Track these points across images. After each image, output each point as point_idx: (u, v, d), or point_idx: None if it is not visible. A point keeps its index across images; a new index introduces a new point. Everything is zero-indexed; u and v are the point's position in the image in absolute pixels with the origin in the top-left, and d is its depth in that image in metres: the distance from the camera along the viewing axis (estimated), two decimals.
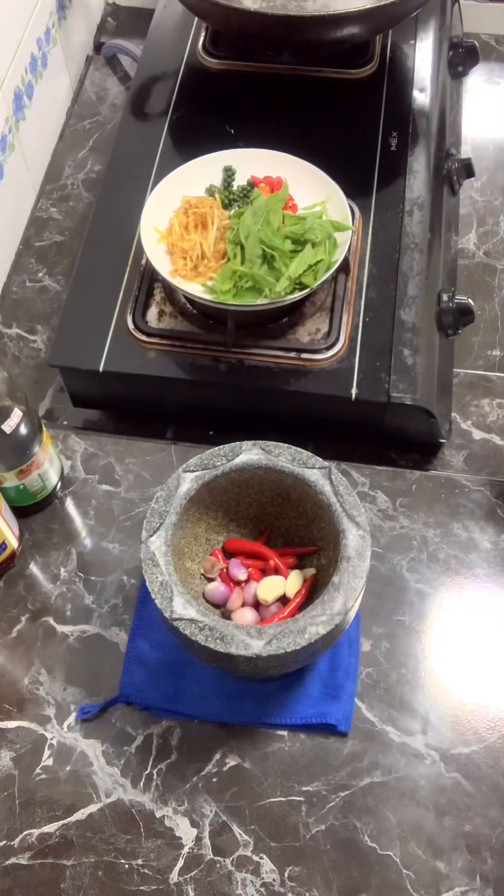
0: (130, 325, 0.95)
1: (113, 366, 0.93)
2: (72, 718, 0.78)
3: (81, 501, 0.90)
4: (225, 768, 0.76)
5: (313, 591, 0.76)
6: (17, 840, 0.73)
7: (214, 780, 0.75)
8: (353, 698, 0.77)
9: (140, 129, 1.14)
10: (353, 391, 0.90)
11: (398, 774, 0.75)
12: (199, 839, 0.73)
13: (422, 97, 1.15)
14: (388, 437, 0.95)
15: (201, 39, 1.22)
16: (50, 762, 0.77)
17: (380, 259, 0.99)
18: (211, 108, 1.15)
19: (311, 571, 0.76)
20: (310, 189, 0.97)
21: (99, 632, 0.82)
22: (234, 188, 1.00)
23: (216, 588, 0.77)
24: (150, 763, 0.76)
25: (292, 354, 0.93)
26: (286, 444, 0.75)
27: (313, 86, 1.17)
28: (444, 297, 0.99)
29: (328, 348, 0.92)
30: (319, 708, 0.76)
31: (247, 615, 0.75)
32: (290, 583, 0.75)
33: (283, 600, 0.76)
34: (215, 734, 0.77)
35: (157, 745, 0.77)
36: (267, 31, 1.08)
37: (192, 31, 1.23)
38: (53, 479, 0.88)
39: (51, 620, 0.83)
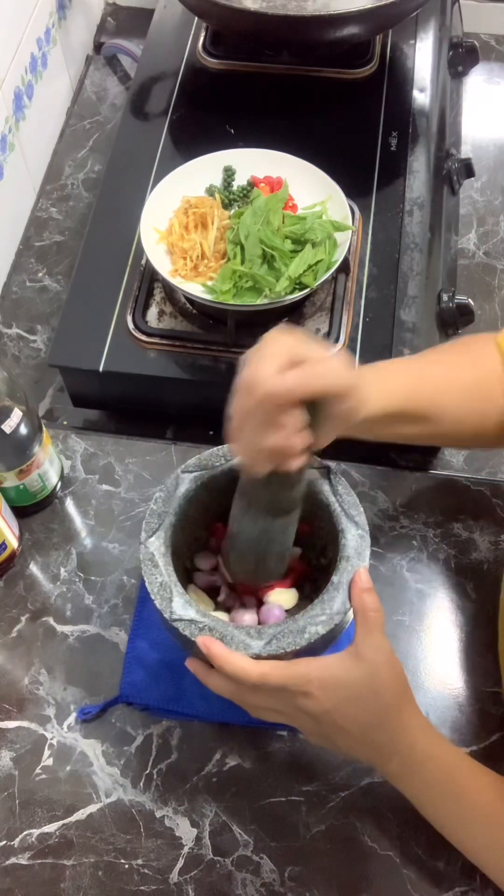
0: (130, 325, 0.95)
1: (113, 366, 0.93)
2: (72, 718, 0.78)
3: (81, 501, 0.90)
4: (225, 768, 0.76)
5: (311, 586, 0.75)
6: (17, 840, 0.73)
7: (214, 780, 0.75)
8: None
9: (140, 129, 1.14)
10: None
11: None
12: (199, 839, 0.73)
13: (422, 97, 1.15)
14: None
15: (201, 39, 1.22)
16: (50, 762, 0.77)
17: (380, 259, 0.99)
18: (211, 108, 1.15)
19: (297, 551, 0.76)
20: (310, 189, 0.97)
21: (99, 632, 0.83)
22: (234, 188, 1.00)
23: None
24: (150, 763, 0.76)
25: None
26: None
27: (313, 86, 1.17)
28: (444, 297, 0.99)
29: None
30: None
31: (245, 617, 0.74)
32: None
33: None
34: (215, 734, 0.77)
35: (157, 745, 0.77)
36: (267, 31, 1.08)
37: (192, 31, 1.23)
38: (53, 479, 0.88)
39: (51, 620, 0.83)
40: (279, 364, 0.58)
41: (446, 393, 0.70)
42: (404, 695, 0.64)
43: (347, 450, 0.94)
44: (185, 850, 0.72)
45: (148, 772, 0.76)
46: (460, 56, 1.28)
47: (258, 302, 0.90)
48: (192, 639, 0.64)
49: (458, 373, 0.72)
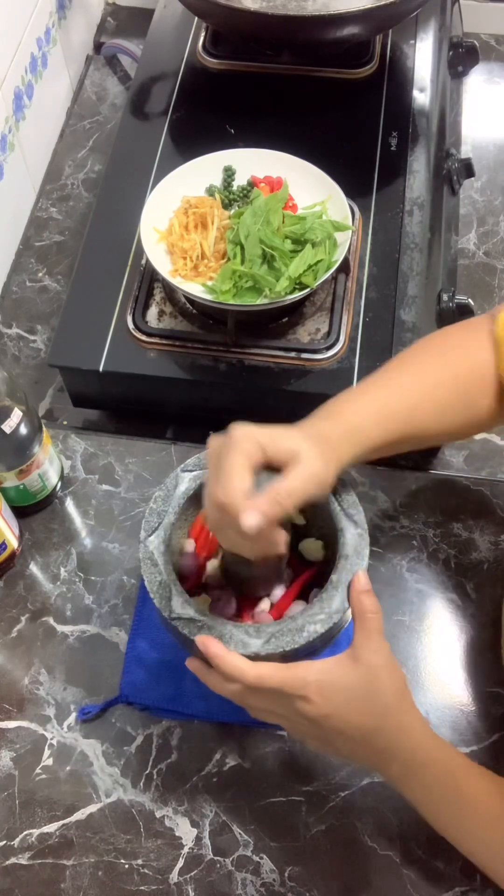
0: (130, 325, 0.95)
1: (113, 366, 0.93)
2: (72, 718, 0.78)
3: (81, 501, 0.90)
4: (225, 768, 0.76)
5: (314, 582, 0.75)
6: (17, 840, 0.73)
7: (214, 780, 0.75)
8: None
9: (140, 129, 1.14)
10: None
11: None
12: (199, 839, 0.73)
13: (422, 97, 1.15)
14: None
15: (201, 39, 1.22)
16: (50, 762, 0.77)
17: (380, 259, 0.99)
18: (211, 108, 1.15)
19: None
20: (310, 189, 0.97)
21: (99, 632, 0.82)
22: (234, 188, 1.00)
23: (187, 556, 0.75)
24: (150, 763, 0.76)
25: (292, 354, 0.93)
26: None
27: (313, 86, 1.17)
28: (444, 297, 0.99)
29: (328, 348, 0.92)
30: None
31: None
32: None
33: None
34: (215, 734, 0.77)
35: (157, 745, 0.77)
36: (267, 31, 1.08)
37: (192, 31, 1.23)
38: (53, 479, 0.88)
39: (51, 620, 0.83)
40: (250, 465, 0.60)
41: (425, 414, 0.69)
42: (404, 697, 0.64)
43: None
44: (185, 850, 0.72)
45: (148, 772, 0.76)
46: (460, 56, 1.28)
47: (258, 302, 0.90)
48: (191, 637, 0.64)
49: (437, 391, 0.70)
